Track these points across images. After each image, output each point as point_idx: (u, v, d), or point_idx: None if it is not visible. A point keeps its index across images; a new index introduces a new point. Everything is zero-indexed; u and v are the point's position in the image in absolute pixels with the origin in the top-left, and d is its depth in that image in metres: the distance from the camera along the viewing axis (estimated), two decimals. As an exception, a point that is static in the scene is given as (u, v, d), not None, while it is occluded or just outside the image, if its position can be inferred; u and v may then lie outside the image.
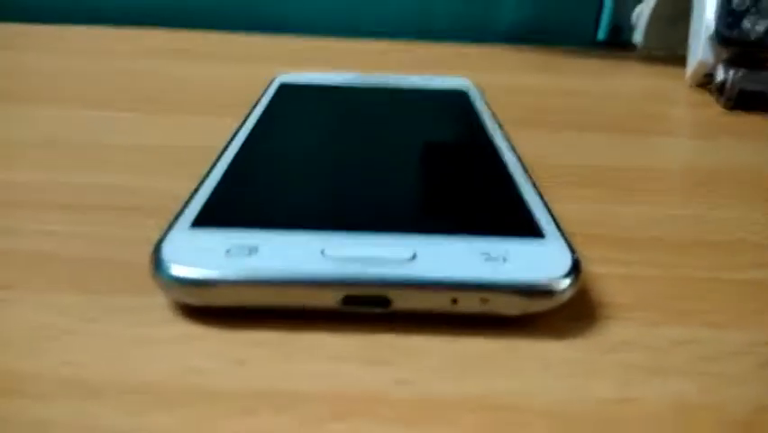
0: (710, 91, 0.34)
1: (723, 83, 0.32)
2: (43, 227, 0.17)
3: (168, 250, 0.14)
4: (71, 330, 0.13)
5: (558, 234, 0.15)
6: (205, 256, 0.14)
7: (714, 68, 0.33)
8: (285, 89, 0.27)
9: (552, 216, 0.16)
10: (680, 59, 0.37)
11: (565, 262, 0.14)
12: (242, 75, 0.35)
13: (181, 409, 0.11)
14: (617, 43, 0.48)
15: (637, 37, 0.47)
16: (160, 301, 0.14)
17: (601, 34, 0.49)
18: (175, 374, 0.12)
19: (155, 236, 0.15)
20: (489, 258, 0.14)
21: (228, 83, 0.33)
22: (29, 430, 0.11)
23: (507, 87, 0.34)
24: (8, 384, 0.12)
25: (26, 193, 0.20)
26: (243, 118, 0.23)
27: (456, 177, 0.19)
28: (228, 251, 0.14)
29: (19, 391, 0.12)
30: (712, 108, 0.32)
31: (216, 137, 0.21)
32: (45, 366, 0.12)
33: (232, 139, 0.21)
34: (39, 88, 0.31)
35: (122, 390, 0.12)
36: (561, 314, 0.14)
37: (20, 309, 0.14)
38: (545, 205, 0.17)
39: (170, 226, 0.15)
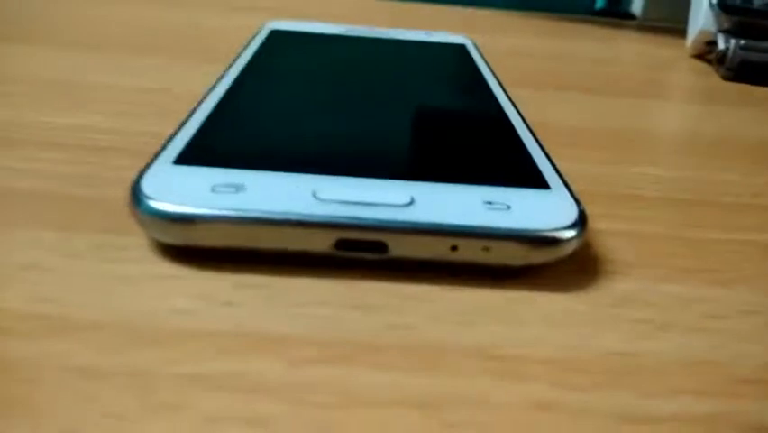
0: (711, 61, 0.33)
1: (724, 53, 0.31)
2: (25, 165, 0.16)
3: (148, 185, 0.13)
4: (51, 267, 0.12)
5: (563, 185, 0.15)
6: (188, 192, 0.13)
7: (715, 37, 0.32)
8: (275, 36, 0.26)
9: (556, 168, 0.15)
10: (680, 30, 0.36)
11: (571, 212, 0.13)
12: (235, 23, 0.33)
13: (163, 347, 0.11)
14: (616, 13, 0.47)
15: (636, 6, 0.46)
16: (143, 241, 0.13)
17: (600, 3, 0.48)
18: (158, 314, 0.11)
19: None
20: (491, 206, 0.13)
21: (224, 31, 0.32)
22: (4, 368, 0.10)
23: (506, 49, 0.33)
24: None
25: (8, 131, 0.18)
26: (232, 60, 0.22)
27: (457, 126, 0.18)
28: (213, 188, 0.13)
29: (-15, 326, 0.11)
30: (712, 77, 0.32)
31: (206, 81, 0.20)
32: (19, 302, 0.11)
33: (219, 80, 0.19)
34: (29, 29, 0.30)
35: (100, 327, 0.11)
36: (564, 267, 0.14)
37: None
38: (549, 157, 0.16)
39: (151, 162, 0.14)
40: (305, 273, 0.13)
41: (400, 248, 0.13)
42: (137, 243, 0.13)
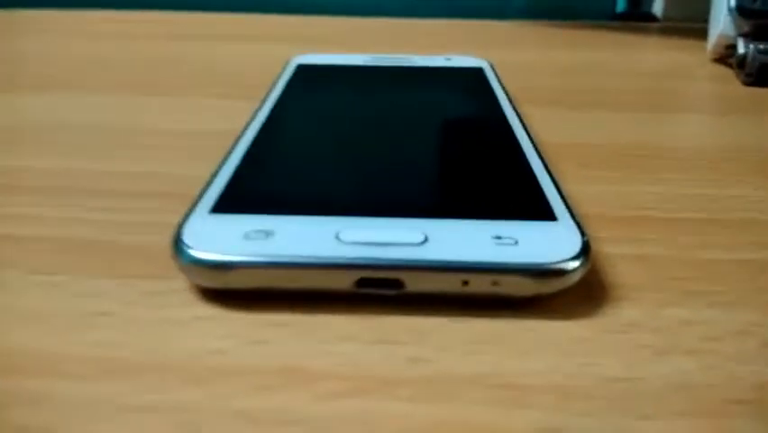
0: (731, 65, 0.33)
1: (744, 57, 0.32)
2: (68, 214, 0.18)
3: (188, 235, 0.14)
4: (106, 313, 0.14)
5: (569, 216, 0.15)
6: (223, 241, 0.14)
7: (735, 40, 0.32)
8: (301, 71, 0.27)
9: (563, 198, 0.16)
10: (702, 30, 0.36)
11: (575, 244, 0.14)
12: (261, 56, 0.35)
13: (204, 386, 0.12)
14: (638, 15, 0.47)
15: (657, 7, 0.46)
16: (181, 285, 0.15)
17: (620, 6, 0.48)
18: (199, 354, 0.13)
19: (177, 221, 0.15)
20: (500, 241, 0.14)
21: (248, 65, 0.34)
22: (67, 409, 0.11)
23: (524, 65, 0.34)
24: (44, 365, 0.12)
25: (50, 179, 0.20)
26: (261, 102, 0.23)
27: (470, 160, 0.19)
28: (246, 235, 0.14)
29: (55, 371, 0.12)
30: (732, 83, 0.32)
31: (236, 120, 0.22)
32: (81, 347, 0.13)
33: (248, 123, 0.21)
34: (57, 74, 0.32)
35: (148, 369, 0.12)
36: (571, 295, 0.14)
37: (56, 294, 0.15)
38: (558, 187, 0.17)
39: (190, 212, 0.15)
40: (328, 310, 0.14)
41: (416, 284, 0.14)
42: (179, 286, 0.15)
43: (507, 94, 0.25)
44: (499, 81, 0.26)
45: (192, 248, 0.14)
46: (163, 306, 0.14)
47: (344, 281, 0.14)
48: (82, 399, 0.12)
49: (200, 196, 0.16)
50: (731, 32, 0.33)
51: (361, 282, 0.14)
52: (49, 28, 0.41)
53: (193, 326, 0.14)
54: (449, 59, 0.29)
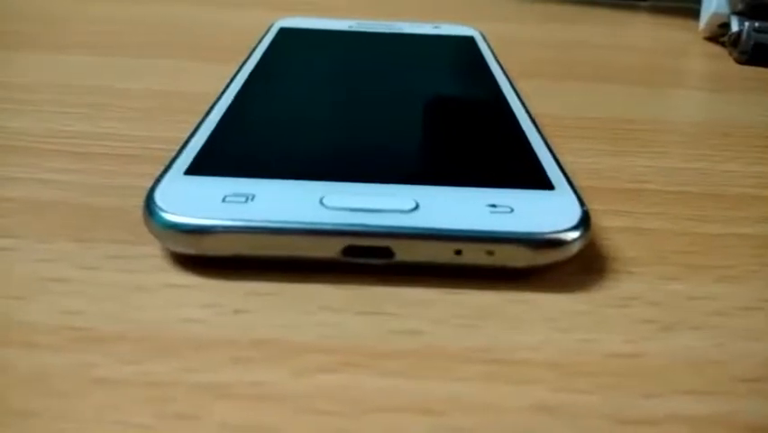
0: (724, 44, 0.33)
1: (737, 35, 0.31)
2: (41, 175, 0.17)
3: (161, 197, 0.13)
4: (69, 279, 0.13)
5: (567, 185, 0.15)
6: (199, 203, 0.13)
7: (729, 19, 0.32)
8: (284, 34, 0.26)
9: (561, 167, 0.16)
10: (693, 11, 0.36)
11: (574, 213, 0.14)
12: (246, 20, 0.34)
13: (178, 357, 0.11)
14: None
15: (649, -13, 0.45)
16: (156, 250, 0.14)
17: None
18: (171, 323, 0.12)
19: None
20: (495, 209, 0.13)
21: (231, 28, 0.32)
22: (28, 380, 0.10)
23: (514, 38, 0.33)
24: (6, 333, 0.11)
25: (24, 140, 0.19)
26: (241, 63, 0.22)
27: (462, 126, 0.18)
28: (224, 198, 0.13)
29: (17, 340, 0.11)
30: (725, 61, 0.31)
31: (218, 83, 0.21)
32: (43, 315, 0.12)
33: (228, 85, 0.20)
34: (31, 33, 0.30)
35: (118, 339, 0.11)
36: (569, 267, 0.14)
37: (18, 258, 0.13)
38: (554, 156, 0.16)
39: (163, 173, 0.14)
40: (312, 280, 0.13)
41: (406, 253, 0.13)
42: (151, 252, 0.14)
43: (499, 63, 0.24)
44: (491, 50, 0.25)
45: (165, 211, 0.13)
46: (131, 271, 0.13)
47: (330, 249, 0.13)
48: (42, 370, 0.11)
49: (175, 156, 0.15)
50: (725, 10, 0.32)
51: (348, 251, 0.13)
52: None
53: (164, 293, 0.13)
54: (437, 27, 0.28)
